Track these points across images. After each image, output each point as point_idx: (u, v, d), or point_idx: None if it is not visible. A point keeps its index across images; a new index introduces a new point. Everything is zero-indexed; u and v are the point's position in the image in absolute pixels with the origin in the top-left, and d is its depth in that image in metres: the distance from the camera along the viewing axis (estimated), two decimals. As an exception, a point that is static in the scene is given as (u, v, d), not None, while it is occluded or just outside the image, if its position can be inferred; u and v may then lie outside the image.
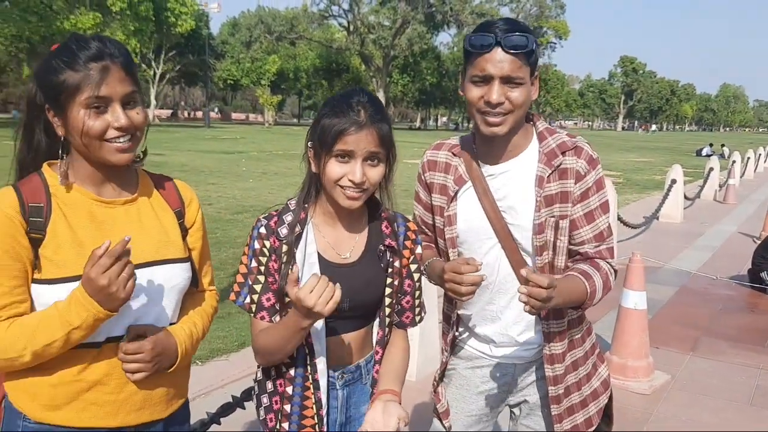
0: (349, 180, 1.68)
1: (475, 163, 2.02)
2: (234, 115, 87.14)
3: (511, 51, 1.80)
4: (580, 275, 1.93)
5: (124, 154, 1.60)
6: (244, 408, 2.97)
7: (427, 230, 2.18)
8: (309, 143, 1.76)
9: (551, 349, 2.02)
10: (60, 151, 1.63)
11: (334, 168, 1.68)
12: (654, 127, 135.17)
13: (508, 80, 1.83)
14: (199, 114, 78.78)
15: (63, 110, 1.56)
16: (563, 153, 1.95)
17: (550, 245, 1.95)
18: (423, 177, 2.15)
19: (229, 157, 22.96)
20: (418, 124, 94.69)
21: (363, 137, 1.66)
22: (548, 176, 1.94)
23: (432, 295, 3.65)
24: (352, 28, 65.41)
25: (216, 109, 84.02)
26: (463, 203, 2.03)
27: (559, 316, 2.01)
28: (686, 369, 5.10)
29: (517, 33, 1.81)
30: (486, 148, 2.01)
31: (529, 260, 1.97)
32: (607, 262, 2.00)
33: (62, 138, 1.60)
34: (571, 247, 2.01)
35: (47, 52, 1.60)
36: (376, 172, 1.71)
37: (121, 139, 1.58)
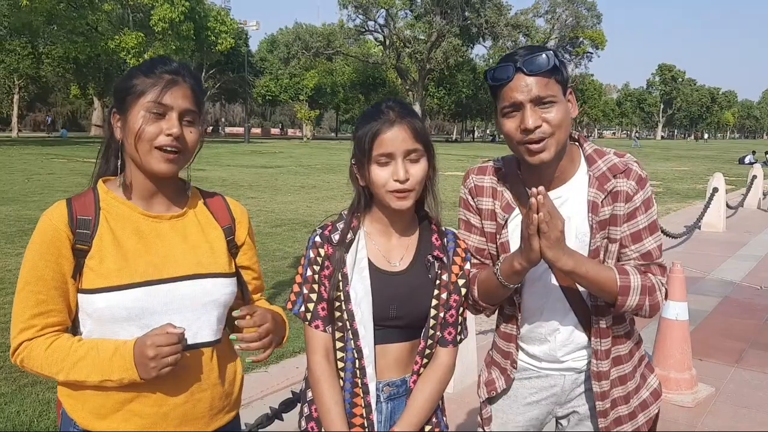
0: (395, 180, 1.72)
1: (522, 190, 1.97)
2: (273, 130, 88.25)
3: (534, 72, 1.76)
4: (614, 267, 1.87)
5: (168, 165, 1.65)
6: (282, 419, 3.01)
7: (484, 260, 2.05)
8: (352, 160, 1.82)
9: (599, 366, 1.98)
10: (119, 162, 1.72)
11: (377, 173, 1.73)
12: (706, 135, 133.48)
13: (538, 101, 1.77)
14: (239, 129, 79.90)
15: (126, 111, 1.64)
16: (614, 176, 1.89)
17: None
18: (472, 203, 2.07)
19: (268, 172, 23.21)
20: (454, 136, 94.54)
21: (397, 134, 1.72)
22: (602, 201, 1.88)
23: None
24: (387, 42, 65.63)
25: (280, 126, 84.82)
26: (513, 230, 1.97)
27: (606, 334, 1.98)
28: (731, 381, 4.99)
29: (536, 54, 1.77)
30: (532, 175, 1.94)
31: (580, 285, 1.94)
32: (658, 278, 1.91)
33: (120, 142, 1.69)
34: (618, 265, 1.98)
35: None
36: (418, 169, 1.75)
37: (169, 148, 1.64)
